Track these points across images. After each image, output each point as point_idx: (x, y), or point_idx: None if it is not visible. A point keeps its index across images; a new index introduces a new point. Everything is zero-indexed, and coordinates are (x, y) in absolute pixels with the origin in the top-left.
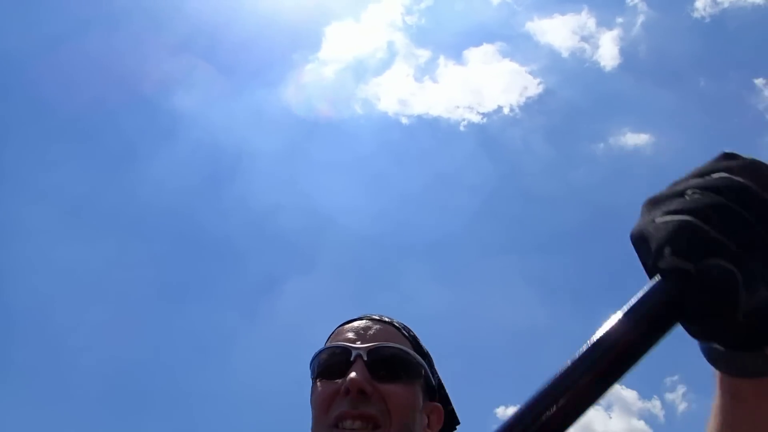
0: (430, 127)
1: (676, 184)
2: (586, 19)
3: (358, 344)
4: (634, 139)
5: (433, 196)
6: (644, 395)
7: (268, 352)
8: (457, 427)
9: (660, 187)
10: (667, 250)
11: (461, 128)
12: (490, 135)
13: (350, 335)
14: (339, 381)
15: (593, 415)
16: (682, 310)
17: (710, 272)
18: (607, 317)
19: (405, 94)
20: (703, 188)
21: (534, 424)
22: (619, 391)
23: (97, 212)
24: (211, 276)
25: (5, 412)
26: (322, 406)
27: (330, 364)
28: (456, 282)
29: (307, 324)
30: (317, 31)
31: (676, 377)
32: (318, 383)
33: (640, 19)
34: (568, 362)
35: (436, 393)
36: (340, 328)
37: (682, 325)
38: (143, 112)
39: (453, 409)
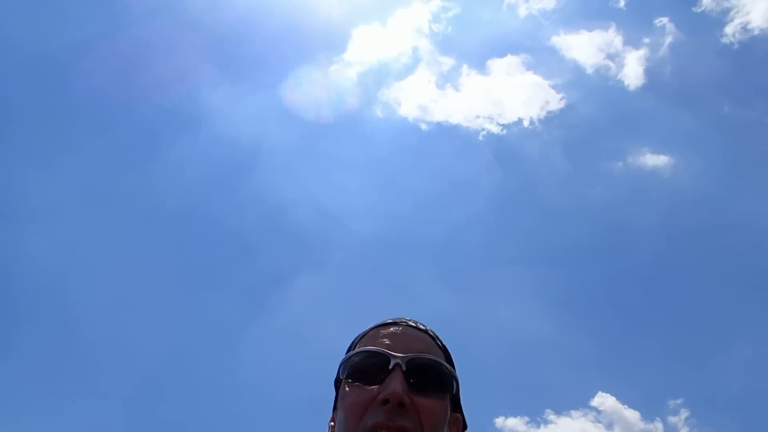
0: (449, 135)
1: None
2: (613, 37)
3: (396, 352)
4: (653, 160)
5: (446, 202)
6: (646, 417)
7: (274, 346)
8: (465, 430)
9: (676, 209)
10: None
11: (480, 138)
12: (508, 146)
13: (387, 341)
14: (373, 388)
15: None
16: None
17: None
18: (613, 336)
19: (426, 100)
20: None
21: None
22: (621, 411)
23: (117, 202)
24: (222, 267)
25: (12, 391)
26: (354, 412)
27: (366, 368)
28: (463, 289)
29: (314, 320)
30: (344, 32)
31: (680, 401)
32: (350, 386)
33: (668, 40)
34: None
35: (459, 403)
36: (376, 330)
37: None
38: (168, 104)
39: (463, 414)
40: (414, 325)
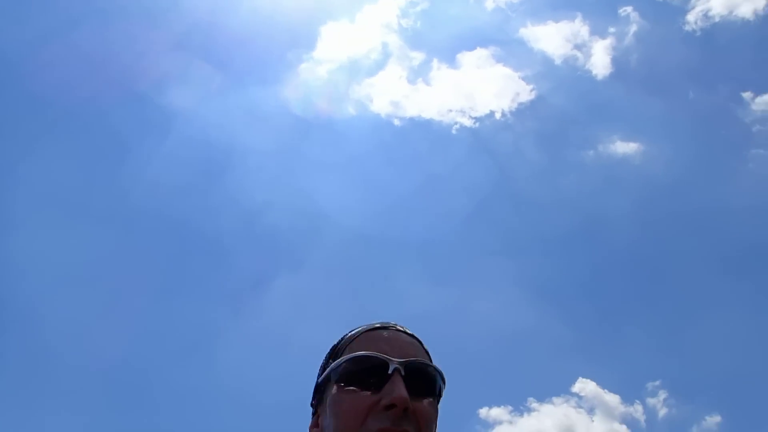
0: (423, 130)
1: None
2: (580, 27)
3: (394, 357)
4: (624, 147)
5: (423, 198)
6: (626, 400)
7: (254, 350)
8: None
9: (648, 195)
10: None
11: (453, 131)
12: (481, 139)
13: (383, 345)
14: (370, 393)
15: (576, 418)
16: None
17: None
18: (591, 323)
19: (398, 96)
20: None
21: None
22: (602, 395)
23: (86, 206)
24: (199, 272)
25: None
26: (355, 417)
27: (363, 372)
28: (443, 282)
29: (294, 322)
30: (313, 30)
31: (657, 383)
32: (343, 390)
33: (633, 29)
34: None
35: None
36: (367, 334)
37: None
38: (136, 107)
39: None
40: (402, 329)
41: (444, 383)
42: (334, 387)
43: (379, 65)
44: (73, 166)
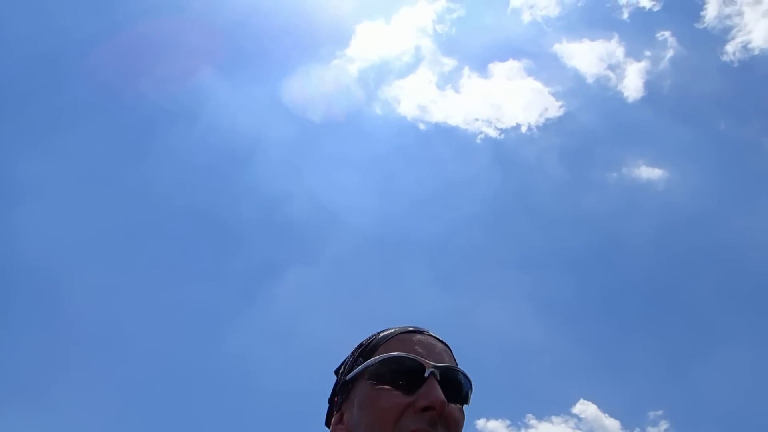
0: (447, 136)
1: None
2: (615, 48)
3: (429, 361)
4: (648, 172)
5: (442, 204)
6: (627, 426)
7: (264, 338)
8: None
9: (668, 223)
10: None
11: (478, 141)
12: (505, 151)
13: (419, 349)
14: (403, 393)
15: None
16: None
17: None
18: (599, 345)
19: (426, 100)
20: None
21: None
22: (602, 419)
23: (110, 187)
24: (215, 258)
25: None
26: (388, 417)
27: (399, 373)
28: (454, 289)
29: (303, 314)
30: (348, 28)
31: (660, 412)
32: (376, 389)
33: (669, 54)
34: None
35: None
36: (402, 336)
37: None
38: (168, 94)
39: None
40: (435, 336)
41: (471, 391)
42: (367, 385)
43: (411, 68)
44: (102, 151)
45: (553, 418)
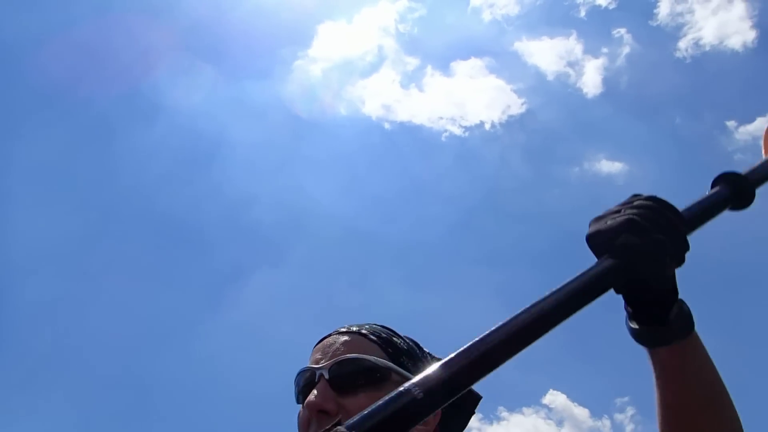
0: (412, 135)
1: (611, 208)
2: (574, 45)
3: (321, 363)
4: (609, 166)
5: (408, 202)
6: (595, 414)
7: (230, 342)
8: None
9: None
10: (622, 235)
11: (443, 139)
12: (469, 149)
13: (318, 355)
14: None
15: (545, 429)
16: (625, 276)
17: (652, 240)
18: (564, 336)
19: (390, 99)
20: (631, 206)
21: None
22: (571, 408)
23: (68, 189)
24: (178, 261)
25: None
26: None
27: (302, 387)
28: (420, 287)
29: (271, 317)
30: (310, 28)
31: (626, 398)
32: (301, 409)
33: (625, 50)
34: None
35: None
36: (314, 347)
37: (623, 290)
38: (125, 93)
39: (468, 390)
40: (345, 329)
41: (402, 363)
42: (299, 408)
43: (374, 68)
44: (59, 151)
45: (524, 409)
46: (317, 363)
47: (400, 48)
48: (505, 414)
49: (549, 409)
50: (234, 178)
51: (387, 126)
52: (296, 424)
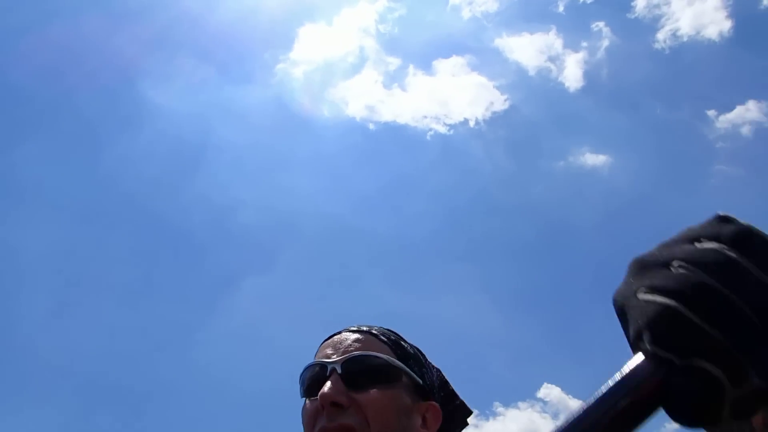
0: (397, 135)
1: (664, 247)
2: (554, 40)
3: (333, 358)
4: (593, 159)
5: (394, 201)
6: None
7: (223, 347)
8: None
9: (613, 207)
10: (647, 336)
11: (428, 137)
12: (455, 146)
13: (328, 351)
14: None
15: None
16: (666, 394)
17: (693, 373)
18: (556, 329)
19: (373, 100)
20: (691, 261)
21: None
22: (566, 400)
23: (56, 197)
24: (168, 268)
25: None
26: (308, 424)
27: (311, 381)
28: (410, 284)
29: (261, 319)
30: (291, 31)
31: None
32: (306, 403)
33: (605, 43)
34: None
35: (431, 392)
36: (322, 344)
37: (665, 409)
38: (108, 98)
39: (460, 403)
40: (355, 328)
41: (417, 367)
42: (304, 402)
43: (356, 69)
44: (44, 157)
45: (520, 403)
46: (328, 358)
47: (381, 48)
48: (500, 409)
49: (544, 402)
50: (220, 181)
51: (371, 126)
52: (300, 420)
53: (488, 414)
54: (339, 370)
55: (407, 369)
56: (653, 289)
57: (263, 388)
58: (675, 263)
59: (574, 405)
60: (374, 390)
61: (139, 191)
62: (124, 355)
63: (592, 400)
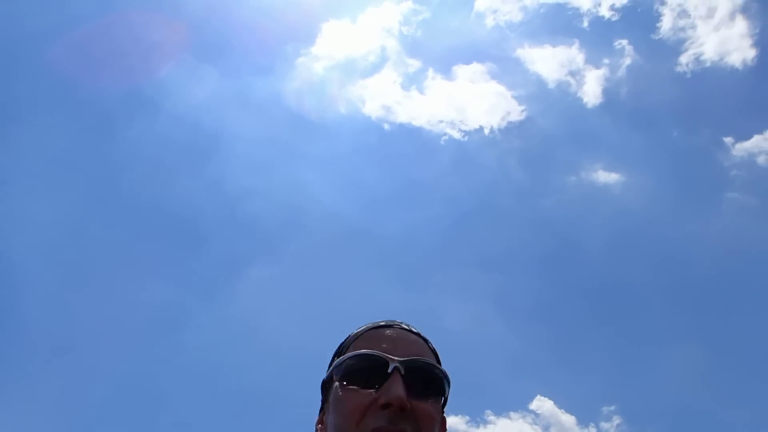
0: (412, 137)
1: None
2: (576, 55)
3: (393, 355)
4: (605, 177)
5: (405, 203)
6: (582, 422)
7: (226, 335)
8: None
9: (622, 226)
10: None
11: (442, 142)
12: (468, 153)
13: (385, 344)
14: (371, 391)
15: None
16: None
17: None
18: (554, 343)
19: (390, 100)
20: None
21: None
22: (558, 415)
23: (70, 179)
24: (176, 254)
25: None
26: (352, 415)
27: (363, 371)
28: (414, 287)
29: (265, 311)
30: (314, 26)
31: (613, 407)
32: (344, 389)
33: (626, 62)
34: None
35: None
36: (371, 332)
37: None
38: (128, 88)
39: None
40: (407, 328)
41: (449, 386)
42: (337, 384)
43: (376, 68)
44: (61, 146)
45: (511, 413)
46: (388, 353)
47: (402, 50)
48: (492, 418)
49: (536, 414)
50: (233, 173)
51: (386, 127)
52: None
53: (479, 421)
54: (402, 371)
55: (450, 382)
56: None
57: (261, 379)
58: None
59: (566, 419)
60: (430, 401)
61: (154, 178)
62: (127, 341)
63: None
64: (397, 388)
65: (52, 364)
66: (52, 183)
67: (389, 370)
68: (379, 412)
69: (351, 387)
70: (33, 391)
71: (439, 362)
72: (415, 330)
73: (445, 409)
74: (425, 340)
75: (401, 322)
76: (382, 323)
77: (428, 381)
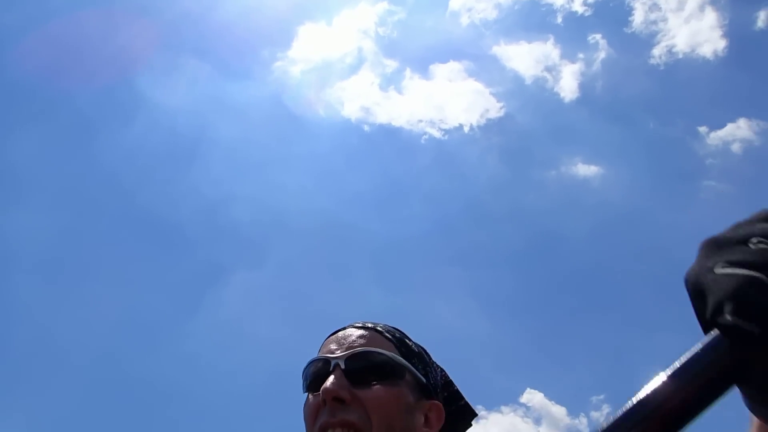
0: (392, 138)
1: (739, 227)
2: (551, 50)
3: (337, 353)
4: (585, 170)
5: (387, 203)
6: (572, 412)
7: (209, 342)
8: (476, 418)
9: (603, 218)
10: (727, 308)
11: (422, 141)
12: (449, 151)
13: (332, 346)
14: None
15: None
16: (743, 371)
17: None
18: (541, 336)
19: (369, 102)
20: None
21: None
22: (549, 407)
23: (47, 186)
24: (156, 260)
25: None
26: (310, 419)
27: (314, 376)
28: (398, 286)
29: (250, 315)
30: (290, 29)
31: (602, 396)
32: (309, 397)
33: (601, 56)
34: (606, 423)
35: (434, 391)
36: (326, 340)
37: (740, 388)
38: (105, 89)
39: (465, 404)
40: (360, 324)
41: (414, 366)
42: (306, 396)
43: (353, 70)
44: (37, 148)
45: (503, 408)
46: (332, 353)
47: (379, 50)
48: (483, 413)
49: (527, 407)
50: (214, 176)
51: (366, 128)
52: (302, 414)
53: None
54: (342, 366)
55: (411, 367)
56: (732, 264)
57: (248, 383)
58: (753, 239)
59: (557, 411)
60: (377, 386)
61: (132, 182)
62: (110, 347)
63: (664, 377)
64: (328, 382)
65: (35, 373)
66: (25, 188)
67: (331, 368)
68: (324, 408)
69: (311, 394)
70: (19, 399)
71: (404, 350)
72: (370, 325)
73: (439, 393)
74: (380, 332)
75: (357, 322)
76: (338, 329)
77: (372, 368)
